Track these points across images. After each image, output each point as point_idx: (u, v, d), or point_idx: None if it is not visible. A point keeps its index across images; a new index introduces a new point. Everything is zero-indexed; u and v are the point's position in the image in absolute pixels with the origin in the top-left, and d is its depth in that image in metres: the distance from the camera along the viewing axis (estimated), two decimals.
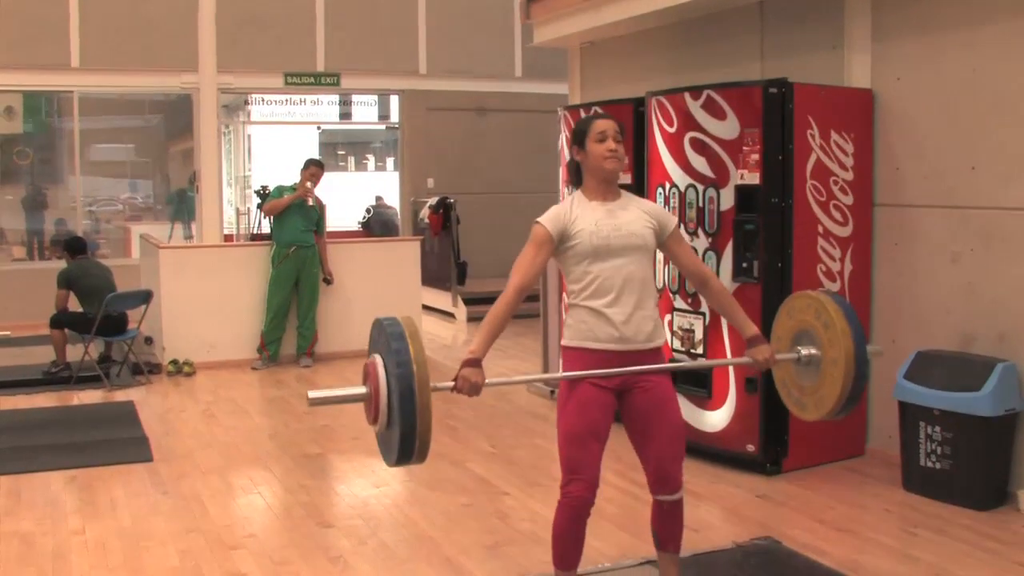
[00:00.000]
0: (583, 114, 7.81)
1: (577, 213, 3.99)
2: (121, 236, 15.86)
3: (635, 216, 4.04)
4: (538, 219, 4.03)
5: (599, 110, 7.69)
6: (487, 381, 3.77)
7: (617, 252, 3.96)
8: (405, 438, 3.46)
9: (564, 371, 4.08)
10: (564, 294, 8.08)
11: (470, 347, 3.81)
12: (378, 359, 3.58)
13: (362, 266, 10.70)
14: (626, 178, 7.48)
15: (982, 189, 5.92)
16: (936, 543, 5.15)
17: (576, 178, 4.15)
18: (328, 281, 10.31)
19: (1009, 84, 5.75)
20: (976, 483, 5.62)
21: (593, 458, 3.96)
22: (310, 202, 10.06)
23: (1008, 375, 5.59)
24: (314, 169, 10.15)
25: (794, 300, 4.35)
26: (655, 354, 4.06)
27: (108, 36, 13.37)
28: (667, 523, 4.21)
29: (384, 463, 3.76)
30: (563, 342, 4.11)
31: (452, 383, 3.72)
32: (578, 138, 4.09)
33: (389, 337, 3.51)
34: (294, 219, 10.00)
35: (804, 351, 4.19)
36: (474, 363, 3.75)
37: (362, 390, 3.63)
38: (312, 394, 3.63)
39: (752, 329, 4.20)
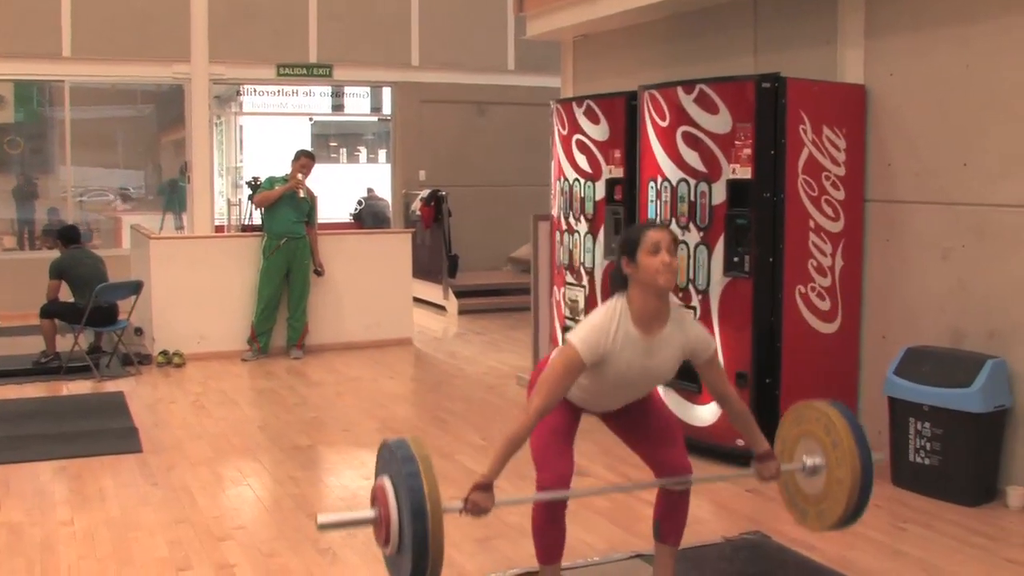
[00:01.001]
0: (575, 107, 7.83)
1: (618, 346, 3.75)
2: (112, 226, 15.83)
3: (670, 355, 3.86)
4: (574, 339, 3.75)
5: (592, 104, 7.69)
6: (497, 502, 3.70)
7: (634, 386, 3.91)
8: (417, 567, 3.41)
9: None
10: (555, 288, 8.09)
11: (483, 470, 3.71)
12: (387, 483, 3.52)
13: (353, 258, 10.69)
14: (618, 172, 7.48)
15: (973, 186, 5.93)
16: (925, 538, 5.17)
17: (620, 285, 3.87)
18: (319, 273, 10.30)
19: (1002, 81, 5.76)
20: (965, 479, 5.63)
21: (563, 453, 3.96)
22: (301, 194, 10.04)
23: (998, 371, 5.60)
24: (305, 160, 10.13)
25: (802, 409, 4.29)
26: None
27: (100, 25, 13.32)
28: (672, 513, 4.18)
29: None
30: None
31: (461, 505, 3.66)
32: (629, 248, 3.77)
33: (401, 461, 3.44)
34: (285, 210, 9.99)
35: (809, 461, 4.14)
36: (485, 487, 3.66)
37: (371, 514, 3.59)
38: (321, 518, 3.60)
39: (764, 446, 4.15)
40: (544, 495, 3.92)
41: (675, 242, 3.77)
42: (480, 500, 3.64)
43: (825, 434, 4.09)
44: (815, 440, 4.13)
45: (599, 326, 3.77)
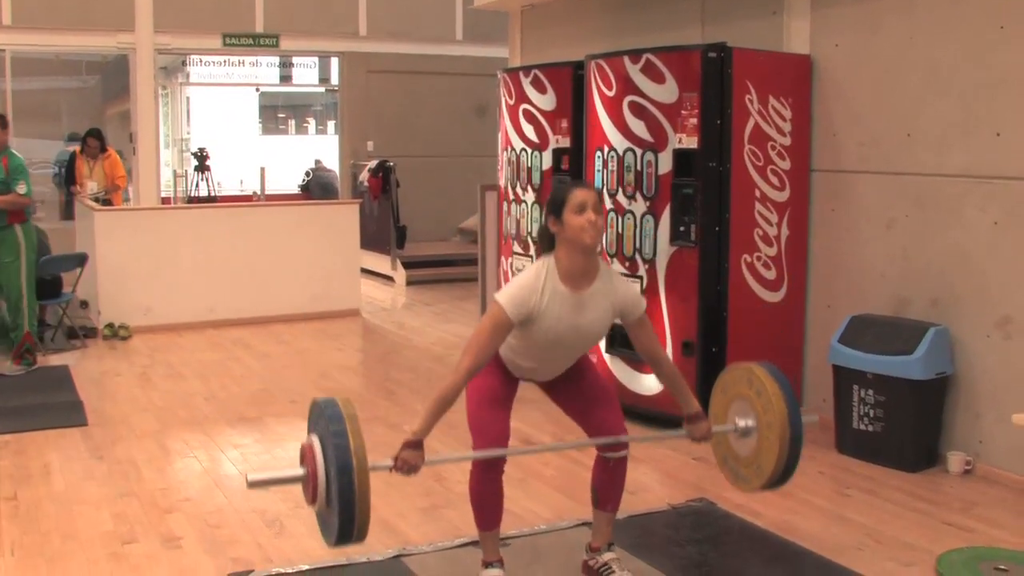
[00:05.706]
0: (522, 77, 7.81)
1: (545, 302, 3.77)
2: (56, 199, 15.63)
3: (601, 313, 3.88)
4: (500, 298, 3.78)
5: (539, 74, 7.68)
6: (427, 460, 3.71)
7: (567, 346, 3.92)
8: (344, 524, 3.43)
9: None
10: (502, 258, 8.08)
11: (412, 427, 3.71)
12: (316, 441, 3.52)
13: (301, 229, 10.62)
14: (565, 142, 7.49)
15: (917, 156, 5.98)
16: (868, 504, 5.24)
17: (547, 245, 3.90)
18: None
19: (945, 52, 5.80)
20: (907, 445, 5.71)
21: (499, 419, 3.98)
22: None
23: (940, 339, 5.67)
24: None
25: (726, 375, 4.31)
26: None
27: None
28: (610, 480, 4.22)
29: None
30: None
31: (391, 463, 3.66)
32: (555, 207, 3.80)
33: (328, 420, 3.45)
34: None
35: (741, 422, 4.15)
36: (415, 445, 3.66)
37: (300, 472, 3.58)
38: (251, 476, 3.59)
39: (694, 406, 4.15)
40: (476, 454, 3.93)
41: (601, 201, 3.81)
42: (410, 458, 3.65)
43: (748, 387, 4.11)
44: (743, 401, 4.14)
45: (526, 284, 3.80)
